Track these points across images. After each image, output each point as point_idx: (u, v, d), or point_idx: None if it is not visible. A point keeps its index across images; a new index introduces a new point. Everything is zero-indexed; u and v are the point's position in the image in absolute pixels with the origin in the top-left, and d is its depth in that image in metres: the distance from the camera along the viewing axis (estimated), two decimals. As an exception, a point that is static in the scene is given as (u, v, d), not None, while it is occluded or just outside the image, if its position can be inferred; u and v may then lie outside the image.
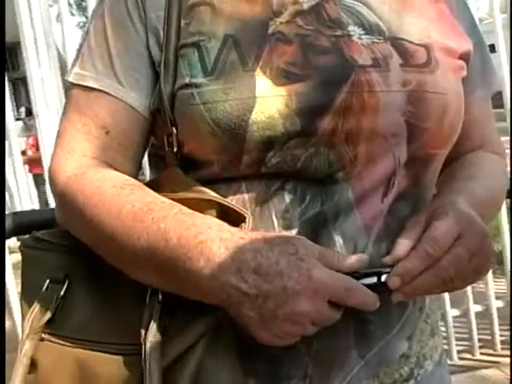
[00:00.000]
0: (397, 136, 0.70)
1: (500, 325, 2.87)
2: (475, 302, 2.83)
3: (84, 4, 2.84)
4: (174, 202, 0.67)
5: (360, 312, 0.66)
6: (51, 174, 0.74)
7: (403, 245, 0.67)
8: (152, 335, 0.64)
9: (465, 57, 0.79)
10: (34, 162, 7.61)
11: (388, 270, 0.65)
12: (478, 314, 2.84)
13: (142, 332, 0.65)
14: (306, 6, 0.73)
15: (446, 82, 0.73)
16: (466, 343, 2.86)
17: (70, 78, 0.76)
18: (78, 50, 0.78)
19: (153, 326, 0.64)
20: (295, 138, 0.67)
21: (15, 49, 10.14)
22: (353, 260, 0.65)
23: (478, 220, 0.70)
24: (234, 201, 0.69)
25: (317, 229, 0.69)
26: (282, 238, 0.64)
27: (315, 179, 0.69)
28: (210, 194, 0.68)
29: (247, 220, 0.66)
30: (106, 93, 0.73)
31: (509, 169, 0.90)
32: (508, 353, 2.81)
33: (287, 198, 0.69)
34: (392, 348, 0.74)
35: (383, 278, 0.64)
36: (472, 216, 0.69)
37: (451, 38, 0.77)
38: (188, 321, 0.65)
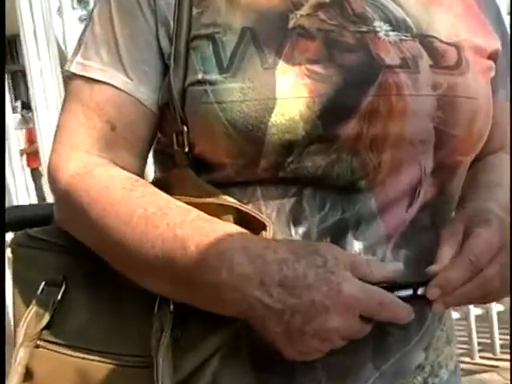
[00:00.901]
0: (424, 143, 0.65)
1: (500, 329, 2.84)
2: (475, 306, 2.81)
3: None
4: (190, 207, 0.63)
5: (382, 324, 0.62)
6: (51, 171, 0.69)
7: (447, 253, 0.63)
8: (164, 348, 0.59)
9: (493, 56, 0.74)
10: (31, 156, 7.59)
11: (422, 280, 0.61)
12: (477, 318, 2.82)
13: (153, 344, 0.60)
14: None
15: (476, 85, 0.69)
16: (465, 346, 2.84)
17: (72, 68, 0.70)
18: (80, 39, 0.72)
19: (165, 339, 0.60)
20: (316, 142, 0.62)
21: (15, 41, 10.11)
22: (390, 269, 0.61)
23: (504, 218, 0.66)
24: (249, 206, 0.64)
25: (337, 237, 0.65)
26: (308, 248, 0.59)
27: (336, 187, 0.64)
28: (227, 198, 0.63)
29: (268, 228, 0.61)
30: (111, 85, 0.68)
31: None
32: (507, 357, 2.80)
33: (305, 204, 0.65)
34: (409, 359, 0.71)
35: (420, 290, 0.61)
36: (503, 218, 0.66)
37: (480, 35, 0.73)
38: (202, 333, 0.61)
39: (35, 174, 7.96)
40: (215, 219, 0.61)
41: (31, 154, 7.52)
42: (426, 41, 0.68)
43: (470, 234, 0.63)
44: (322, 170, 0.63)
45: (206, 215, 0.62)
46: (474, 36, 0.72)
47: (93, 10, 0.72)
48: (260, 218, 0.62)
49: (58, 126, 0.71)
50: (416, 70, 0.65)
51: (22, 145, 7.63)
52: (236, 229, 0.61)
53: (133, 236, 0.62)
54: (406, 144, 0.65)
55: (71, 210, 0.67)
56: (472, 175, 0.78)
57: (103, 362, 0.63)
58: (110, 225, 0.63)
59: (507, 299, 2.82)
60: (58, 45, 2.44)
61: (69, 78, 0.72)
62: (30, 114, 2.40)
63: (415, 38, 0.68)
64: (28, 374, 0.65)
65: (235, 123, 0.62)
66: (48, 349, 0.65)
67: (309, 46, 0.64)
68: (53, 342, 0.65)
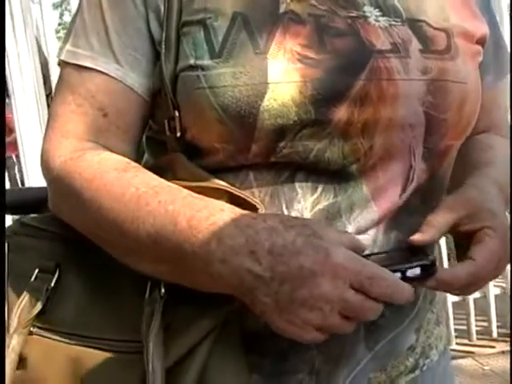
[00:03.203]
0: (415, 127, 0.66)
1: (476, 315, 2.89)
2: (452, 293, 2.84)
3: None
4: (181, 188, 0.62)
5: None
6: (44, 159, 0.69)
7: (432, 223, 0.65)
8: (154, 333, 0.59)
9: (481, 41, 0.74)
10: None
11: (417, 263, 0.61)
12: (454, 304, 2.86)
13: (144, 329, 0.60)
14: None
15: (465, 70, 0.69)
16: (442, 333, 2.88)
17: (62, 56, 0.69)
18: (70, 26, 0.71)
19: (155, 323, 0.59)
20: (308, 127, 0.62)
21: (-13, 28, 9.91)
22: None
23: (507, 224, 0.69)
24: (241, 190, 0.63)
25: (330, 221, 0.64)
26: (298, 220, 0.59)
27: (328, 171, 0.64)
28: (219, 182, 0.63)
29: (260, 211, 0.61)
30: (102, 73, 0.67)
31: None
32: (483, 343, 2.85)
33: (298, 188, 0.64)
34: (401, 341, 0.72)
35: (409, 272, 0.59)
36: (507, 225, 0.68)
37: (468, 20, 0.73)
38: (192, 317, 0.60)
39: (8, 163, 7.86)
40: (207, 198, 0.61)
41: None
42: (415, 26, 0.68)
43: (477, 237, 0.65)
44: (314, 154, 0.63)
45: (197, 194, 0.61)
46: (463, 21, 0.72)
47: None
48: (251, 200, 0.62)
49: (49, 114, 0.71)
50: (406, 54, 0.65)
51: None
52: (228, 205, 0.60)
53: (125, 214, 0.61)
54: (397, 129, 0.65)
55: (64, 194, 0.67)
56: (463, 155, 0.78)
57: (96, 347, 0.63)
58: (103, 205, 0.62)
59: (485, 286, 2.87)
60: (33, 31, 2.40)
61: (60, 65, 0.71)
62: (8, 101, 2.35)
63: (405, 23, 0.68)
64: (21, 361, 0.64)
65: (227, 108, 0.61)
66: (41, 335, 0.65)
67: (300, 31, 0.64)
68: (46, 329, 0.65)
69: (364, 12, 0.67)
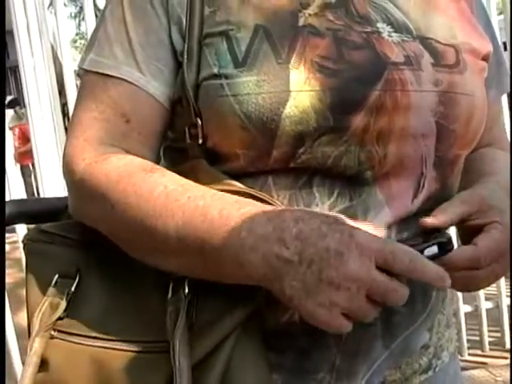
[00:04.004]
0: (427, 137, 0.69)
1: (489, 326, 2.87)
2: (465, 303, 2.84)
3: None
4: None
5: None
6: (67, 163, 0.70)
7: (445, 211, 0.67)
8: (180, 332, 0.61)
9: (486, 58, 0.78)
10: (21, 154, 7.56)
11: (434, 241, 0.63)
12: (467, 315, 2.84)
13: (169, 328, 0.62)
14: None
15: (473, 83, 0.72)
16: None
17: (85, 65, 0.72)
18: (92, 37, 0.74)
19: (181, 322, 0.61)
20: (327, 134, 0.65)
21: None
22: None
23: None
24: None
25: None
26: (323, 213, 0.62)
27: (344, 176, 0.67)
28: (240, 186, 0.65)
29: None
30: (125, 80, 0.70)
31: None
32: (496, 354, 2.83)
33: (316, 192, 0.67)
34: (415, 339, 0.74)
35: (426, 251, 0.62)
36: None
37: (474, 38, 0.77)
38: (216, 315, 0.62)
39: (25, 172, 7.95)
40: (234, 196, 0.63)
41: (22, 153, 7.50)
42: (425, 42, 0.71)
43: (485, 229, 0.67)
44: (332, 160, 0.66)
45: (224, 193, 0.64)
46: (469, 38, 0.75)
47: (104, 10, 0.74)
48: (273, 202, 0.64)
49: (71, 121, 0.73)
50: (419, 67, 0.69)
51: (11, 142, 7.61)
52: (255, 202, 0.63)
53: (153, 211, 0.63)
54: (410, 138, 0.68)
55: (89, 196, 0.68)
56: (469, 165, 0.81)
57: (119, 349, 0.64)
58: (130, 204, 0.64)
59: (496, 297, 2.86)
60: (50, 41, 2.44)
61: (80, 75, 0.74)
62: (23, 111, 2.39)
63: (416, 39, 0.71)
64: (43, 364, 0.66)
65: (250, 115, 0.64)
66: (62, 339, 0.67)
67: (319, 43, 0.67)
68: (67, 333, 0.67)
69: (378, 28, 0.70)
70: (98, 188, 0.66)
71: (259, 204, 0.62)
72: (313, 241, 0.57)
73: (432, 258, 0.61)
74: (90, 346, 0.65)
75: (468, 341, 2.85)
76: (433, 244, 0.63)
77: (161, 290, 0.65)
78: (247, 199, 0.63)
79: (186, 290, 0.63)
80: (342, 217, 0.65)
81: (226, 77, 0.65)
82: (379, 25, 0.71)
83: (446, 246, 0.63)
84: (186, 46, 0.69)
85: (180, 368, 0.59)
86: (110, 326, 0.66)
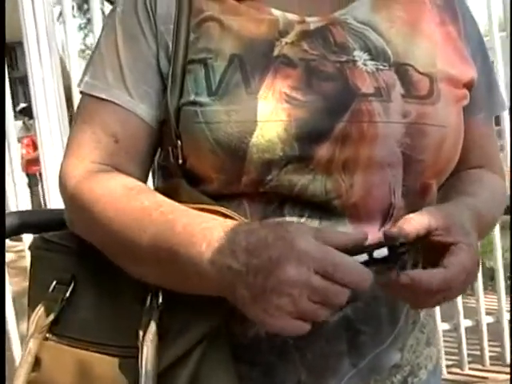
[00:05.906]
0: (393, 167, 0.71)
1: (489, 340, 2.88)
2: (466, 317, 2.84)
3: (85, 6, 2.85)
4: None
5: (352, 322, 0.67)
6: (61, 179, 0.76)
7: (410, 221, 0.67)
8: (150, 338, 0.65)
9: (468, 85, 0.79)
10: (29, 163, 7.61)
11: (384, 244, 0.63)
12: (468, 329, 2.85)
13: (140, 334, 0.66)
14: (312, 27, 0.74)
15: (446, 114, 0.74)
16: (455, 358, 2.87)
17: (82, 87, 0.77)
18: (90, 59, 0.79)
19: (152, 328, 0.65)
20: (293, 162, 0.68)
21: (15, 48, 10.12)
22: (351, 237, 0.63)
23: (476, 245, 0.71)
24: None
25: None
26: (276, 221, 0.66)
27: (313, 204, 0.70)
28: (215, 205, 0.69)
29: None
30: (115, 103, 0.74)
31: (508, 184, 0.91)
32: (496, 369, 2.83)
33: (286, 213, 0.70)
34: (384, 359, 0.75)
35: (375, 253, 0.62)
36: (476, 245, 0.71)
37: (456, 65, 0.77)
38: (185, 325, 0.66)
39: (32, 181, 7.98)
40: (205, 213, 0.67)
41: (30, 161, 7.55)
42: (401, 70, 0.73)
43: (451, 250, 0.68)
44: (299, 188, 0.69)
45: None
46: (450, 66, 0.77)
47: (101, 34, 0.79)
48: (243, 221, 0.67)
49: (68, 140, 0.78)
50: (388, 98, 0.71)
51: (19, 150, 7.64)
52: (219, 217, 0.66)
53: (130, 225, 0.67)
54: (376, 167, 0.70)
55: (78, 210, 0.73)
56: (452, 186, 0.82)
57: (100, 352, 0.69)
58: (111, 218, 0.69)
59: (497, 311, 2.86)
60: (58, 53, 2.47)
61: (81, 94, 0.79)
62: (31, 122, 2.42)
63: (391, 68, 0.73)
64: (36, 363, 0.71)
65: (220, 142, 0.68)
66: (54, 341, 0.72)
67: (290, 73, 0.70)
68: (59, 335, 0.72)
69: (354, 57, 0.72)
70: (84, 203, 0.71)
71: (221, 219, 0.65)
72: (258, 252, 0.60)
73: (382, 260, 0.62)
74: (78, 348, 0.70)
75: (469, 355, 2.86)
76: (382, 246, 0.63)
77: (140, 298, 0.68)
78: (211, 215, 0.66)
79: (160, 301, 0.67)
80: (297, 222, 0.67)
81: (201, 104, 0.69)
82: (356, 53, 0.73)
83: (396, 250, 0.63)
84: (170, 70, 0.73)
85: (146, 373, 0.64)
86: (96, 330, 0.70)
